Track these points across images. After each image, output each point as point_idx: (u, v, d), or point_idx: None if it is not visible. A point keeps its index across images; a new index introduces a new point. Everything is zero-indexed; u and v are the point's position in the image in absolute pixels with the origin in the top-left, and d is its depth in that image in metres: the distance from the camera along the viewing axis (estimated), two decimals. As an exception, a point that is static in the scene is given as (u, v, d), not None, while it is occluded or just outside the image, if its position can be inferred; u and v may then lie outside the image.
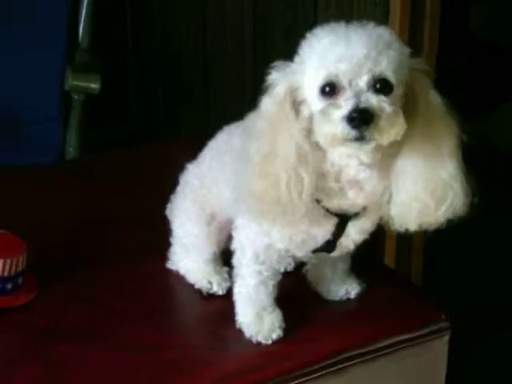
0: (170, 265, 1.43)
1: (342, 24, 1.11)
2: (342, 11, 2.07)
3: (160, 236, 1.44)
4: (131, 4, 3.01)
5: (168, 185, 1.45)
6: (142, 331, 1.31)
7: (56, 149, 2.35)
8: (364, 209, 1.19)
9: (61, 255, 1.48)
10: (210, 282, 1.37)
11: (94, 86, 2.30)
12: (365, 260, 1.38)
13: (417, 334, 1.32)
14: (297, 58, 1.14)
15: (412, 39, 1.94)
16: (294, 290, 1.36)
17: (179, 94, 2.92)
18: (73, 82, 2.31)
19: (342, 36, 1.09)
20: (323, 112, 1.09)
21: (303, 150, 1.12)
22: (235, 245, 1.27)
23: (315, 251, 1.25)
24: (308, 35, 1.13)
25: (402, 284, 1.46)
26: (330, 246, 1.23)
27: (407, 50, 1.13)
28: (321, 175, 1.14)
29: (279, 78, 1.14)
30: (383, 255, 2.01)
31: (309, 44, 1.12)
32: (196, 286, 1.39)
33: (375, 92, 1.08)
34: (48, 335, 1.30)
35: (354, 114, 1.05)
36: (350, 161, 1.13)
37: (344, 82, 1.08)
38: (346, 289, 1.36)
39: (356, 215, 1.19)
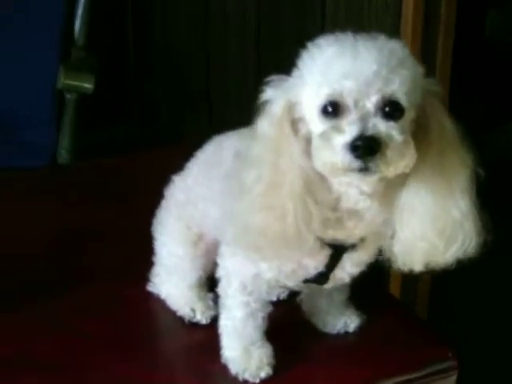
0: (151, 287, 1.30)
1: (350, 34, 0.97)
2: (352, 12, 1.96)
3: (146, 255, 1.31)
4: (133, 4, 2.92)
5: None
6: (118, 363, 1.18)
7: (48, 151, 2.24)
8: (362, 240, 1.06)
9: (34, 273, 1.35)
10: (192, 310, 1.24)
11: (88, 85, 2.18)
12: (367, 287, 1.24)
13: (420, 374, 1.19)
14: (295, 72, 1.00)
15: (425, 45, 1.81)
16: (286, 321, 1.23)
17: (181, 95, 2.82)
18: (65, 80, 2.19)
19: (348, 48, 0.95)
20: (323, 136, 0.95)
21: (308, 175, 0.99)
22: (220, 273, 1.14)
23: (306, 281, 1.12)
24: (310, 45, 0.99)
25: (406, 316, 1.32)
26: (322, 277, 1.10)
27: (420, 69, 0.98)
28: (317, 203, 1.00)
29: (275, 95, 1.00)
30: (388, 281, 1.88)
31: (310, 56, 0.98)
32: (178, 314, 1.26)
33: (384, 116, 0.94)
34: (13, 365, 1.18)
35: (359, 142, 0.92)
36: (349, 189, 1.00)
37: (349, 101, 0.94)
38: (345, 321, 1.23)
39: (353, 246, 1.06)
